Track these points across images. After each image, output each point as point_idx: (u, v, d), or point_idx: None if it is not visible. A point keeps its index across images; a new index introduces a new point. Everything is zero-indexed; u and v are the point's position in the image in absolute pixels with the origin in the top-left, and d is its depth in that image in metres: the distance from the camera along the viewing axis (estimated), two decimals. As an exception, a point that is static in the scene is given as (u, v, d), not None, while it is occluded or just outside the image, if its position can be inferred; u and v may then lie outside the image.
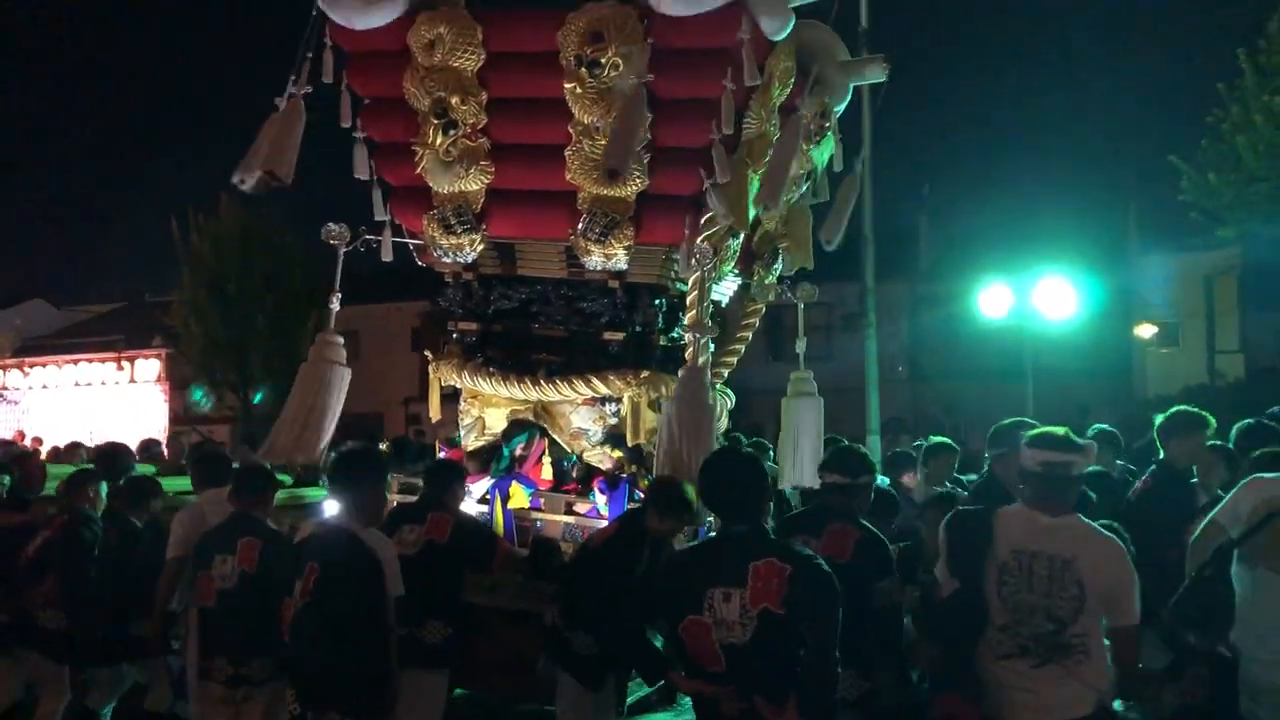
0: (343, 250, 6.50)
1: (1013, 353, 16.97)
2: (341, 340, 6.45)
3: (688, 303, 6.05)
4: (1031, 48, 54.54)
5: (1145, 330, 24.82)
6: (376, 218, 6.76)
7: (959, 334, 22.99)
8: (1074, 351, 21.61)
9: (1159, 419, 5.74)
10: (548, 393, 6.43)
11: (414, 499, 5.93)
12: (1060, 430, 3.93)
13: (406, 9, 6.18)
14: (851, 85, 7.08)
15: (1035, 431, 3.98)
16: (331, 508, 6.23)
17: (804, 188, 7.12)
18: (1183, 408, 5.77)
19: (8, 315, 25.61)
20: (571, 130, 6.08)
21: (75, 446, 11.55)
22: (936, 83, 46.44)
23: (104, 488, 6.35)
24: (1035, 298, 15.62)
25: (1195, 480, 5.56)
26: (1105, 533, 3.85)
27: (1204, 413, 5.63)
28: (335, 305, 6.61)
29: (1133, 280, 25.19)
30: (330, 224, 6.43)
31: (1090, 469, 4.34)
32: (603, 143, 5.93)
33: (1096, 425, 8.40)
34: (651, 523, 5.00)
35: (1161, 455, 5.62)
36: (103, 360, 22.90)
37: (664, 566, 4.21)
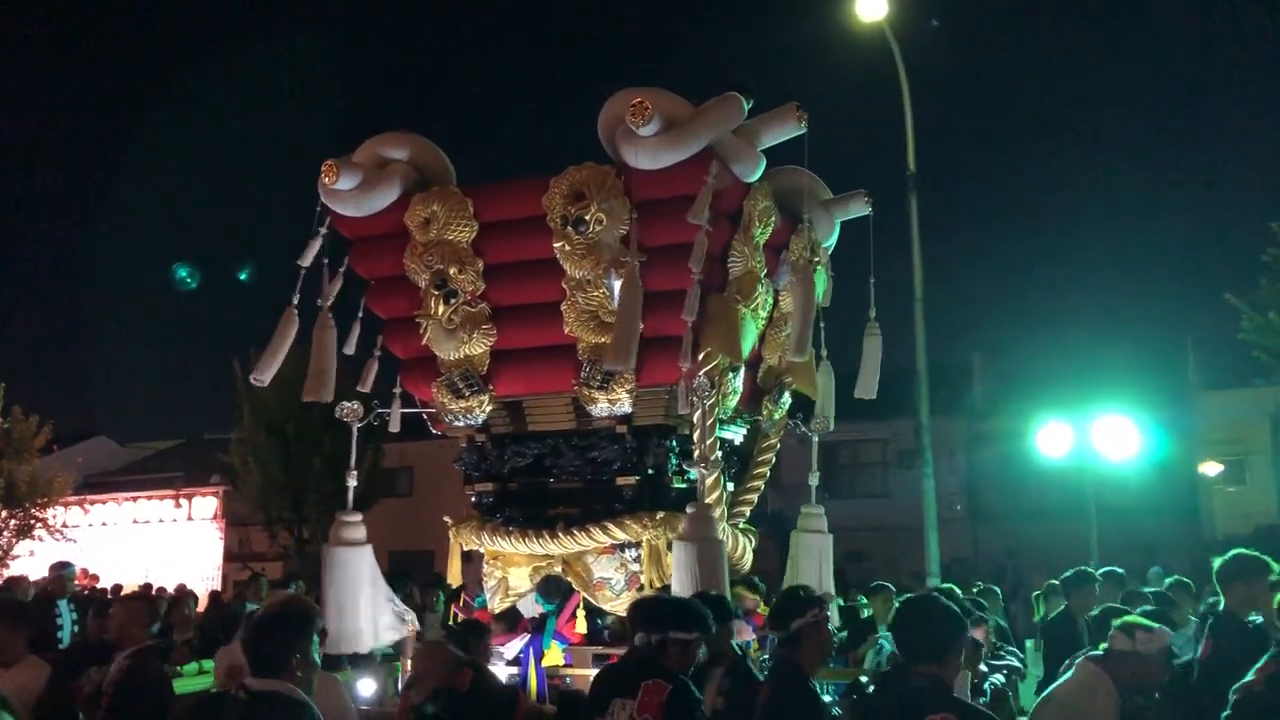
0: (357, 426, 6.75)
1: (1075, 491, 16.62)
2: (359, 518, 6.59)
3: (695, 439, 6.11)
4: (1087, 186, 55.07)
5: (1210, 468, 24.21)
6: (358, 388, 7.03)
7: (1018, 471, 22.55)
8: (1138, 490, 21.11)
9: (1217, 562, 5.54)
10: (567, 544, 6.46)
11: None
12: None
13: (401, 193, 6.61)
14: (838, 221, 7.34)
15: None
16: (367, 687, 6.24)
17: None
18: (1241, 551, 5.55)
19: (71, 453, 26.12)
20: (565, 286, 6.35)
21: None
22: (991, 219, 46.92)
23: None
24: (1095, 436, 15.38)
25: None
26: None
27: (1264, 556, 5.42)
28: (353, 482, 6.76)
29: (1195, 417, 24.71)
30: (344, 402, 6.71)
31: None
32: (596, 294, 6.21)
33: (1170, 576, 8.18)
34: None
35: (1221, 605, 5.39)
36: (161, 497, 23.24)
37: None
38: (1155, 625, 4.53)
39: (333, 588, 6.31)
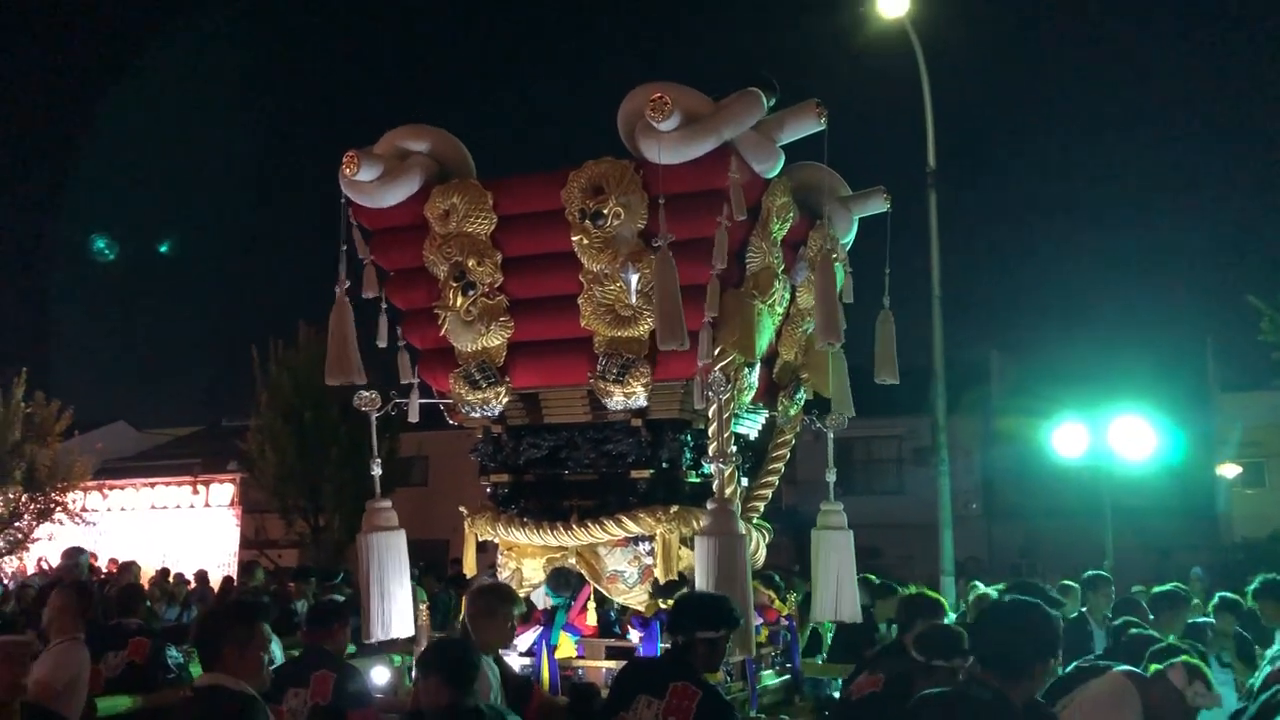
0: (375, 416, 6.71)
1: (1091, 491, 16.58)
2: (389, 504, 6.58)
3: (710, 434, 6.11)
4: (1107, 187, 54.75)
5: (1229, 470, 24.08)
6: (403, 380, 7.04)
7: (1034, 471, 22.50)
8: (1155, 492, 21.03)
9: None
10: (580, 536, 6.48)
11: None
12: None
13: (421, 185, 6.67)
14: (856, 218, 7.34)
15: None
16: (381, 675, 6.27)
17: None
18: None
19: (91, 438, 26.34)
20: (582, 279, 6.37)
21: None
22: (1010, 218, 46.69)
23: None
24: (1111, 437, 15.33)
25: None
26: None
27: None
28: (377, 470, 6.67)
29: (1213, 420, 24.58)
30: (362, 391, 6.68)
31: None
32: (613, 288, 6.25)
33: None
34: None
35: None
36: (179, 484, 23.42)
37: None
38: (1215, 689, 4.43)
39: (375, 571, 6.29)
